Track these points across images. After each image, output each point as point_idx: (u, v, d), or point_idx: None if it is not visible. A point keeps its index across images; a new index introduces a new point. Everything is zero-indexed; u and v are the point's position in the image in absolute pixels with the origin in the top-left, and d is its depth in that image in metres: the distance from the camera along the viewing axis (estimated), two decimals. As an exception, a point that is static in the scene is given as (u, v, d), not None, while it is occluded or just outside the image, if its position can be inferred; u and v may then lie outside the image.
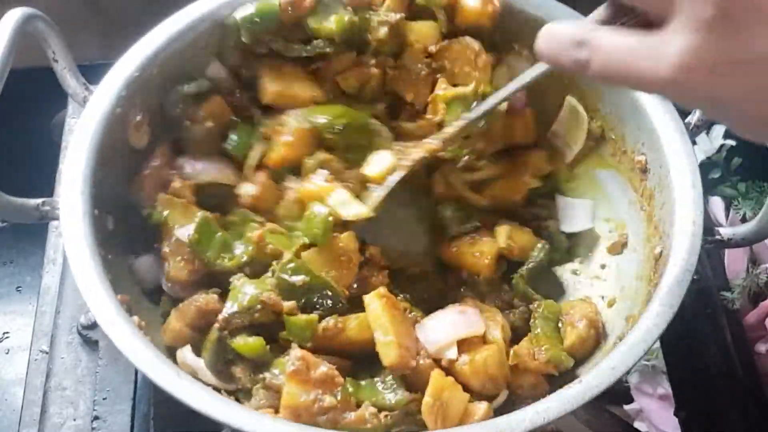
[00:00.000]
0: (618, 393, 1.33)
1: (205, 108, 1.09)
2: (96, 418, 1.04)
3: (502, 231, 1.10)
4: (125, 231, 1.02)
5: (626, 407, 1.33)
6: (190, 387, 0.86)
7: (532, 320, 1.04)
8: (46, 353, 1.10)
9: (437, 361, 0.97)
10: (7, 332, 1.47)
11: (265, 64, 1.11)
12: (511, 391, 0.99)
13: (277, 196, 1.06)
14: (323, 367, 0.91)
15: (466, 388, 0.96)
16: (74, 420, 1.05)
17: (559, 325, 1.04)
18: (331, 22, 1.07)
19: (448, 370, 0.96)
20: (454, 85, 1.12)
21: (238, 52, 1.11)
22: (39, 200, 0.97)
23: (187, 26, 1.09)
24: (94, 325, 1.09)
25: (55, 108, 1.32)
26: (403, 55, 1.13)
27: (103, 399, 1.05)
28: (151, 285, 1.03)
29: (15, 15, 0.98)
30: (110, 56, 1.06)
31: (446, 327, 0.99)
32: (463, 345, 0.98)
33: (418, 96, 1.13)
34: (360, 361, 0.97)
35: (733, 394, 1.13)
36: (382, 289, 0.97)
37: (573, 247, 1.15)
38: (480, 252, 1.08)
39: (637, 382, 1.32)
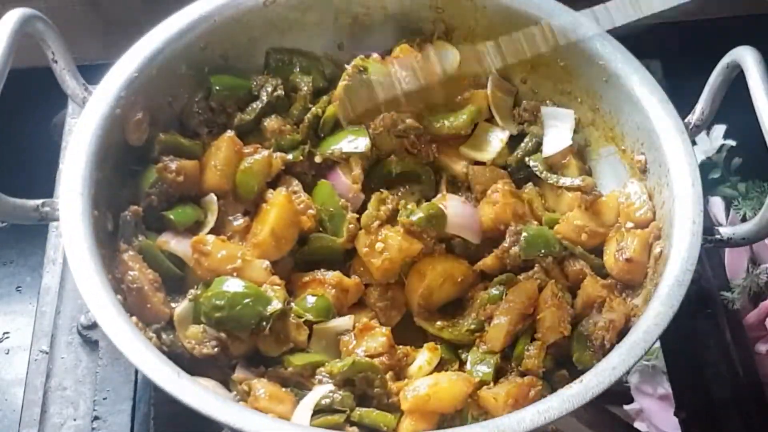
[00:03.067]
0: (618, 393, 1.33)
1: (182, 164, 1.05)
2: (96, 418, 1.04)
3: None
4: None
5: (626, 407, 1.33)
6: (190, 387, 0.86)
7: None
8: (46, 353, 1.11)
9: None
10: (7, 332, 1.47)
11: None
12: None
13: None
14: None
15: None
16: (74, 420, 1.05)
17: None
18: None
19: None
20: None
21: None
22: (39, 201, 0.97)
23: (187, 26, 1.09)
24: (94, 325, 1.09)
25: (55, 108, 1.32)
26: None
27: (103, 399, 1.05)
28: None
29: (14, 15, 0.98)
30: (110, 56, 1.06)
31: None
32: None
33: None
34: None
35: (733, 394, 1.13)
36: None
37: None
38: None
39: (637, 382, 1.32)
